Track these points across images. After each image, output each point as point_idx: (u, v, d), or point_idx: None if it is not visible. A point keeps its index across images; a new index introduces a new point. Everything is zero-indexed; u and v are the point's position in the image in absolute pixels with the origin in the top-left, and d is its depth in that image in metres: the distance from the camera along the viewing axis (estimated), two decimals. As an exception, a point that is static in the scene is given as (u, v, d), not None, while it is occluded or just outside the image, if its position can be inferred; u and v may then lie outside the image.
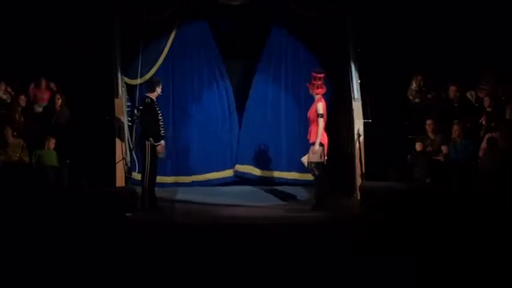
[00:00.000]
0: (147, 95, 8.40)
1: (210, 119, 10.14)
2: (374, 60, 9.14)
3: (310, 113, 8.40)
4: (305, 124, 8.93)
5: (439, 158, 8.51)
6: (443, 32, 9.21)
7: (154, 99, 8.36)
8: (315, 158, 8.24)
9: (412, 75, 9.45)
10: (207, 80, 10.16)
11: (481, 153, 7.99)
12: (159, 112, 8.38)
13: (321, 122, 8.22)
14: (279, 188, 10.09)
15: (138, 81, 8.76)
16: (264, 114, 10.21)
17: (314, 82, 8.32)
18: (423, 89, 9.41)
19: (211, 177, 10.09)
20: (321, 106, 8.26)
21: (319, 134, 8.19)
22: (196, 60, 10.10)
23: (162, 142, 8.33)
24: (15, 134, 8.59)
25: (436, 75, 9.29)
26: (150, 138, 8.20)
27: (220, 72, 10.15)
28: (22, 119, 8.92)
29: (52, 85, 9.51)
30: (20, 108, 8.95)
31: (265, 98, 10.24)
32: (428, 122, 8.80)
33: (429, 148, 8.73)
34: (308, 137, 8.44)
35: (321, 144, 8.23)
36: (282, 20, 9.88)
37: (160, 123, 8.38)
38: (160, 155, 8.43)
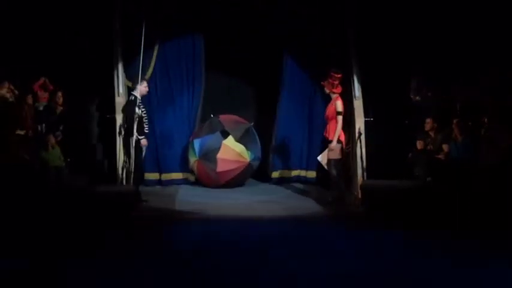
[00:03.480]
0: (132, 92, 8.66)
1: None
2: (375, 59, 9.15)
3: (329, 112, 8.52)
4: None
5: (440, 156, 8.50)
6: (444, 29, 9.18)
7: (139, 97, 8.54)
8: (335, 155, 8.37)
9: (413, 73, 9.46)
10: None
11: (481, 151, 8.00)
12: (142, 110, 8.59)
13: (340, 120, 8.36)
14: (280, 185, 10.23)
15: (139, 83, 8.71)
16: None
17: (332, 81, 8.42)
18: (424, 87, 9.41)
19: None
20: (339, 104, 8.41)
21: (337, 132, 8.33)
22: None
23: (144, 141, 8.53)
24: (19, 132, 8.57)
25: (438, 74, 9.28)
26: (135, 133, 8.35)
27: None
28: (30, 117, 8.90)
29: (47, 83, 9.51)
30: (26, 107, 8.92)
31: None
32: (428, 120, 8.82)
33: (430, 147, 8.72)
34: (326, 134, 8.57)
35: (339, 142, 8.37)
36: (283, 20, 9.91)
37: (144, 121, 8.61)
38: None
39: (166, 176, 10.14)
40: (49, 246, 6.16)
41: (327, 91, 8.55)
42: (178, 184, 10.13)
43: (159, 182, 10.07)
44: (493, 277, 5.10)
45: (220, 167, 9.59)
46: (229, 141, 9.68)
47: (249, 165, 9.81)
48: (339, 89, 8.51)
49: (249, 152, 9.76)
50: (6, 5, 9.20)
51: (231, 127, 9.84)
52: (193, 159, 9.82)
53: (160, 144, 10.05)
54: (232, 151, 9.64)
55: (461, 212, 7.14)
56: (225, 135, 9.74)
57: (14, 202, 7.16)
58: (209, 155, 9.59)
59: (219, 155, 9.57)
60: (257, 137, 10.09)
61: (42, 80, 9.43)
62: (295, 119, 10.40)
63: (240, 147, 9.68)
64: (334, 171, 8.43)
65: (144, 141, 8.53)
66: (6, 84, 8.94)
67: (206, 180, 9.92)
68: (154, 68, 9.70)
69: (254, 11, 9.73)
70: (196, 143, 9.76)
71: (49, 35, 9.45)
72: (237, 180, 9.90)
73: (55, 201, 7.44)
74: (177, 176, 10.24)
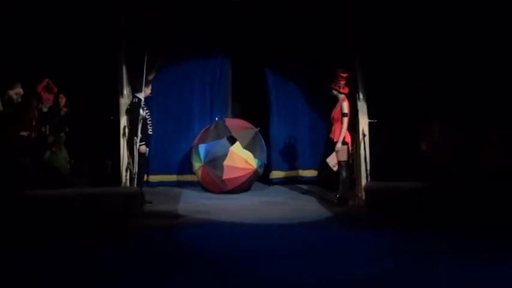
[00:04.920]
0: (136, 94, 8.68)
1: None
2: (378, 60, 9.12)
3: (335, 113, 8.56)
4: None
5: (443, 157, 8.48)
6: (447, 30, 9.14)
7: (142, 99, 8.57)
8: (343, 157, 8.43)
9: (416, 74, 9.43)
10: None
11: (484, 152, 8.01)
12: (146, 111, 8.63)
13: (346, 121, 8.40)
14: (282, 186, 10.20)
15: (143, 85, 8.70)
16: None
17: (338, 81, 8.43)
18: (428, 87, 9.37)
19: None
20: (345, 105, 8.45)
21: (342, 133, 8.38)
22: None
23: (143, 147, 8.54)
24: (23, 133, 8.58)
25: (441, 74, 9.25)
26: (135, 137, 8.40)
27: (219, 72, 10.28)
28: (34, 119, 8.89)
29: (51, 84, 9.52)
30: (31, 108, 8.91)
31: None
32: (432, 121, 8.80)
33: (433, 148, 8.69)
34: (332, 136, 8.60)
35: (346, 143, 8.42)
36: (285, 21, 9.87)
37: (148, 122, 8.67)
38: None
39: (153, 178, 10.12)
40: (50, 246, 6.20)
41: (334, 93, 8.56)
42: (164, 186, 10.14)
43: (146, 183, 9.94)
44: (494, 278, 5.08)
45: (227, 174, 9.31)
46: (237, 148, 9.37)
47: (256, 172, 9.55)
48: (346, 90, 8.54)
49: (256, 159, 9.48)
50: (12, 7, 9.21)
51: (238, 133, 9.53)
52: (197, 165, 9.52)
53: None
54: (239, 158, 9.34)
55: (464, 212, 7.15)
56: (232, 141, 9.44)
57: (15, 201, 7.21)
58: (215, 162, 9.30)
59: (226, 162, 9.27)
60: (263, 142, 9.82)
61: (45, 82, 9.44)
62: (291, 119, 10.38)
63: (247, 154, 9.39)
64: (344, 173, 8.47)
65: (142, 148, 8.53)
66: (18, 86, 8.95)
67: (211, 186, 9.65)
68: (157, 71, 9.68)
69: (255, 11, 9.72)
70: (202, 148, 9.44)
71: (52, 36, 9.46)
72: (243, 187, 9.64)
73: (58, 201, 7.48)
74: (168, 178, 10.26)
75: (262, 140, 9.80)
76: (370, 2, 8.96)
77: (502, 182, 7.32)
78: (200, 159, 9.42)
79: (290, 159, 10.39)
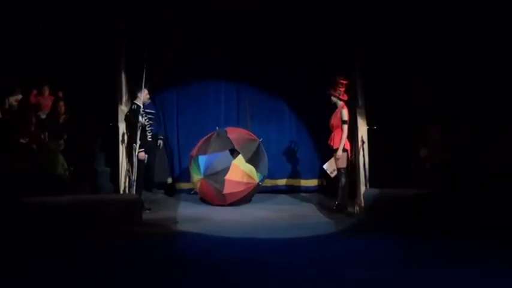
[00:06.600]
0: (135, 101, 8.69)
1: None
2: (377, 64, 9.16)
3: (334, 120, 8.55)
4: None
5: (443, 158, 8.48)
6: (448, 30, 9.19)
7: (141, 106, 8.57)
8: (342, 164, 8.44)
9: (416, 75, 9.47)
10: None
11: (484, 153, 8.04)
12: (145, 118, 8.63)
13: (345, 128, 8.41)
14: (281, 194, 10.19)
15: (143, 92, 8.67)
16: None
17: (339, 88, 8.45)
18: (428, 88, 9.41)
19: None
20: (345, 113, 8.46)
21: (342, 140, 8.39)
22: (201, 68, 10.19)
23: (142, 154, 8.56)
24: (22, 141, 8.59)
25: (441, 74, 9.28)
26: (134, 144, 8.42)
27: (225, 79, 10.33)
28: (33, 126, 8.90)
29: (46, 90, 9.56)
30: (30, 115, 8.92)
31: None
32: (432, 126, 8.83)
33: (433, 152, 8.70)
34: (331, 143, 8.57)
35: (345, 150, 8.44)
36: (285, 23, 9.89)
37: (147, 129, 8.68)
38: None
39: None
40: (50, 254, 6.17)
41: (334, 100, 8.57)
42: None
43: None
44: (495, 278, 5.10)
45: (228, 189, 8.93)
46: (239, 161, 9.00)
47: (257, 185, 9.24)
48: (346, 97, 8.54)
49: (258, 173, 9.14)
50: (12, 7, 9.25)
51: (241, 145, 9.14)
52: (197, 177, 9.09)
53: None
54: (241, 172, 8.96)
55: (464, 214, 7.15)
56: (234, 154, 9.07)
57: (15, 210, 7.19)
58: (216, 175, 8.89)
59: (228, 176, 8.86)
60: (265, 154, 9.44)
61: (45, 89, 9.47)
62: (290, 125, 10.44)
63: (249, 168, 9.02)
64: (343, 180, 8.48)
65: (141, 155, 8.53)
66: (19, 93, 8.98)
67: (209, 198, 9.29)
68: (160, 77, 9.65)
69: (255, 14, 9.76)
70: (202, 160, 9.00)
71: (52, 36, 9.50)
72: (242, 201, 9.30)
73: (57, 208, 7.46)
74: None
75: (265, 151, 9.46)
76: (371, 3, 9.01)
77: (502, 182, 7.33)
78: (200, 172, 8.99)
79: (289, 166, 10.40)
